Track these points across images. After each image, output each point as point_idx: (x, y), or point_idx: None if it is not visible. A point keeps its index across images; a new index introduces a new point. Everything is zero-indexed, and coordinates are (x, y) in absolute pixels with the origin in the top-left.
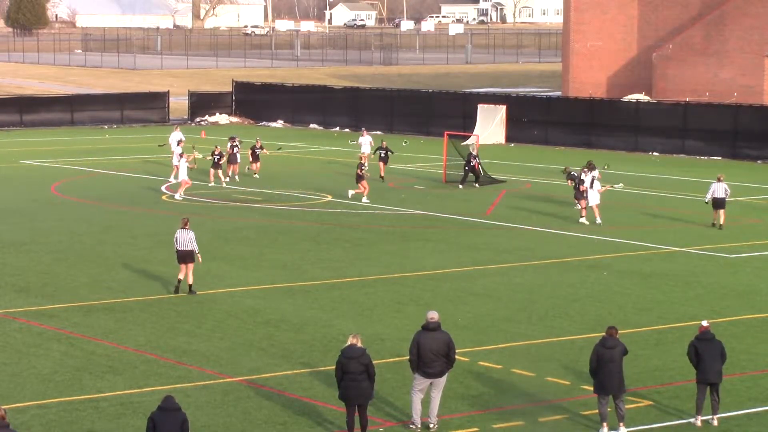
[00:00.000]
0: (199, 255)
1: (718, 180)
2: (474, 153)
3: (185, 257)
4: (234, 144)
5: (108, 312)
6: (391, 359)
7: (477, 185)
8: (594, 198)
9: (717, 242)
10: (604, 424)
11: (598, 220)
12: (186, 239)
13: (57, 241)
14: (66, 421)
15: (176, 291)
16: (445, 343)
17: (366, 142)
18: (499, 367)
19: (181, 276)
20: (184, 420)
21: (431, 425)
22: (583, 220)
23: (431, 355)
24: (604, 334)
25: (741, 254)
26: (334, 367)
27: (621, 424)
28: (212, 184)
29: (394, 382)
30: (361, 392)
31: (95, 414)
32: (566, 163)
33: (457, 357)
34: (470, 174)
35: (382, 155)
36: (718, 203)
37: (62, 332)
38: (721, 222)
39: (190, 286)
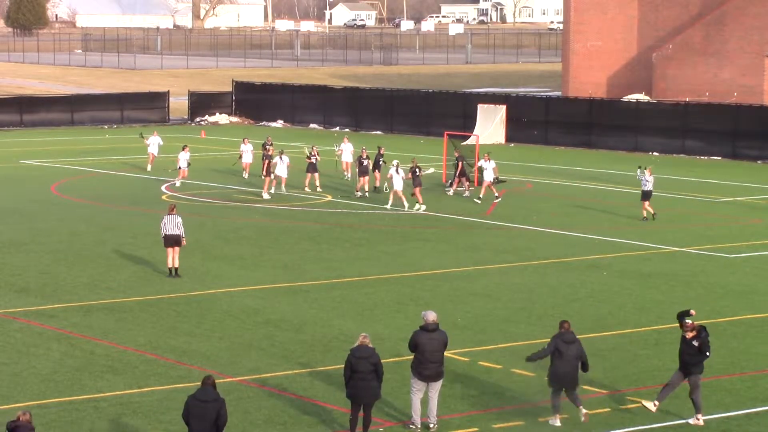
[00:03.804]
0: (184, 239)
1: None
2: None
3: (173, 241)
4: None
5: (108, 312)
6: (391, 359)
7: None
8: (489, 175)
9: (717, 242)
10: (557, 415)
11: (480, 196)
12: (174, 224)
13: (57, 241)
14: (66, 421)
15: (170, 275)
16: (443, 342)
17: (348, 149)
18: (499, 367)
19: (169, 260)
20: (221, 407)
21: (431, 425)
22: (467, 194)
23: (430, 355)
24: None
25: (741, 254)
26: (334, 366)
27: (580, 407)
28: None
29: (394, 382)
30: (370, 392)
31: (95, 414)
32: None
33: (457, 357)
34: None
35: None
36: (646, 195)
37: (62, 332)
38: (652, 211)
39: (176, 269)
